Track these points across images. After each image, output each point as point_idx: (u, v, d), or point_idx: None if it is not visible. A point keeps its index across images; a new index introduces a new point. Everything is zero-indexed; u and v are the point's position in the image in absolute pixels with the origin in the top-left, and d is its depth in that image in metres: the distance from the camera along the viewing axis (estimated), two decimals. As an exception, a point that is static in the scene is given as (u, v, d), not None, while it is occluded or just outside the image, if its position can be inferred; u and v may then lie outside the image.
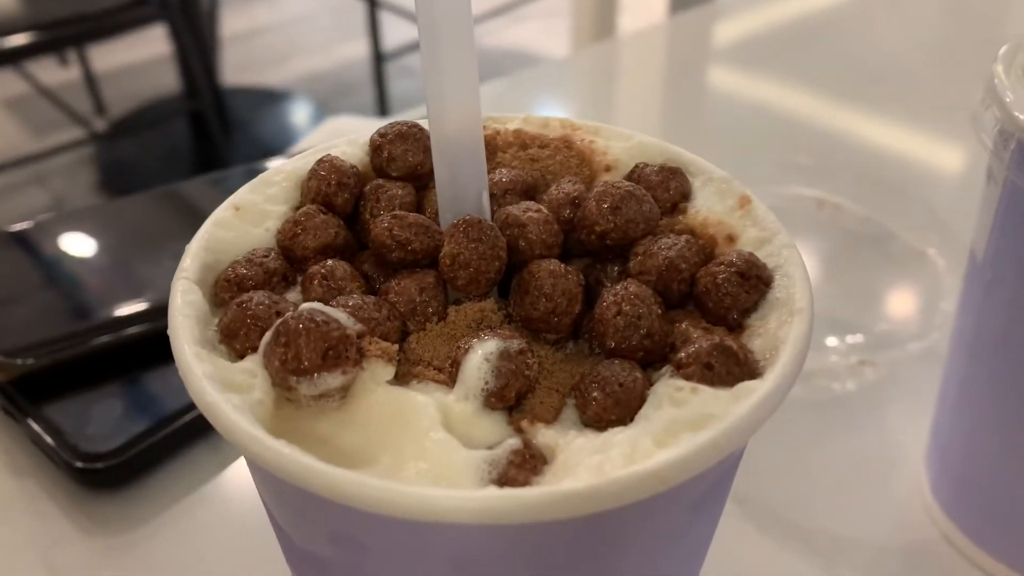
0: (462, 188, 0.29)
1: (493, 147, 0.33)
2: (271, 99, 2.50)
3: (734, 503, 0.48)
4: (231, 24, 2.76)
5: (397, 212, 0.29)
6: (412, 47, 2.47)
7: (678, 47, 1.01)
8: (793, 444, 0.51)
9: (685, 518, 0.26)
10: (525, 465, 0.24)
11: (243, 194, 0.31)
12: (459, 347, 0.26)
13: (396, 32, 2.49)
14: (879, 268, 0.62)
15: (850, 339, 0.55)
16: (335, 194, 0.31)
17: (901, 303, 0.59)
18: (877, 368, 0.54)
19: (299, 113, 2.47)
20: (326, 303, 0.27)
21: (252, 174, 0.64)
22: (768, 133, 0.82)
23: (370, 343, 0.26)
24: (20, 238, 0.58)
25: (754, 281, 0.27)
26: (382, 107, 2.31)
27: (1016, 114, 0.35)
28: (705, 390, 0.24)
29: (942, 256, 0.61)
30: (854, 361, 0.54)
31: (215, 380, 0.24)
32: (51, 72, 2.42)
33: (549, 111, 0.88)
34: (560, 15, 2.52)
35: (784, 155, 0.75)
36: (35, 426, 0.48)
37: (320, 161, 0.32)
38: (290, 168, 0.32)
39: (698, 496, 0.25)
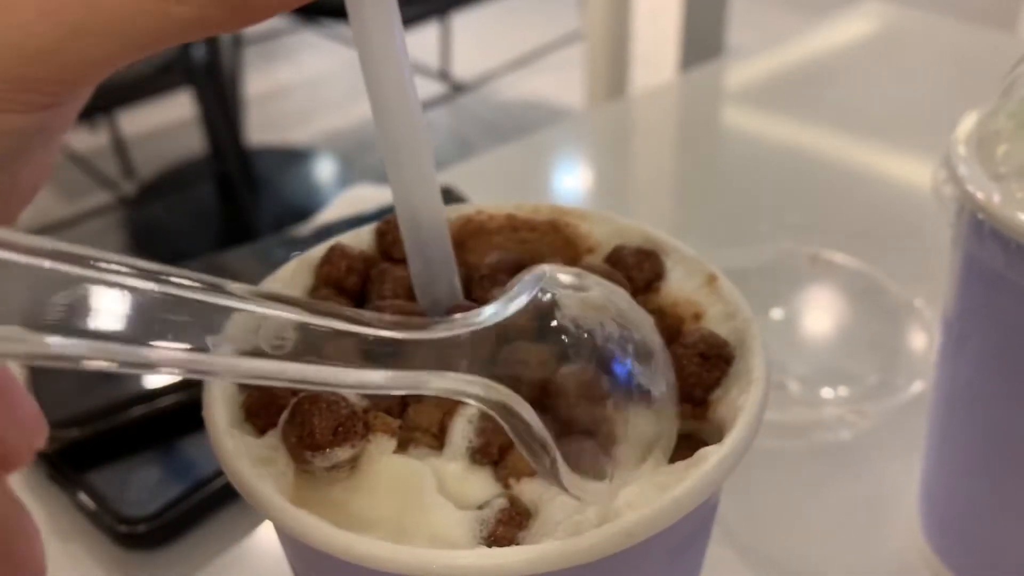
0: (434, 276, 0.33)
1: (487, 231, 0.37)
2: (295, 158, 2.57)
3: (736, 552, 0.50)
4: (254, 84, 2.83)
5: (393, 301, 0.33)
6: (431, 103, 2.53)
7: (687, 103, 1.05)
8: (792, 494, 0.54)
9: (662, 568, 0.29)
10: (512, 522, 0.27)
11: (266, 283, 0.35)
12: (446, 413, 0.30)
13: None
14: (870, 320, 0.65)
15: (843, 390, 0.58)
16: (345, 278, 0.35)
17: (892, 354, 0.61)
18: (871, 417, 0.57)
19: (323, 170, 2.53)
20: None
21: (285, 242, 0.69)
22: (765, 189, 0.85)
23: (375, 418, 0.29)
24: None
25: (715, 360, 0.30)
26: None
27: (968, 188, 0.39)
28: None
29: (930, 307, 0.64)
30: (848, 411, 0.57)
31: (244, 456, 0.28)
32: (81, 139, 2.49)
33: (567, 168, 0.93)
34: (574, 67, 2.58)
35: (780, 211, 0.78)
36: (80, 492, 0.51)
37: (332, 248, 0.36)
38: (303, 256, 0.36)
39: (672, 548, 0.28)
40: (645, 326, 0.28)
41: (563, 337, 0.26)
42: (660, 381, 0.27)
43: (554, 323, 0.26)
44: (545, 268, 0.27)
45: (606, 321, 0.26)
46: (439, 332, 0.25)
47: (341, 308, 0.24)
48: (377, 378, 0.24)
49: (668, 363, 0.28)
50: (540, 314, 0.26)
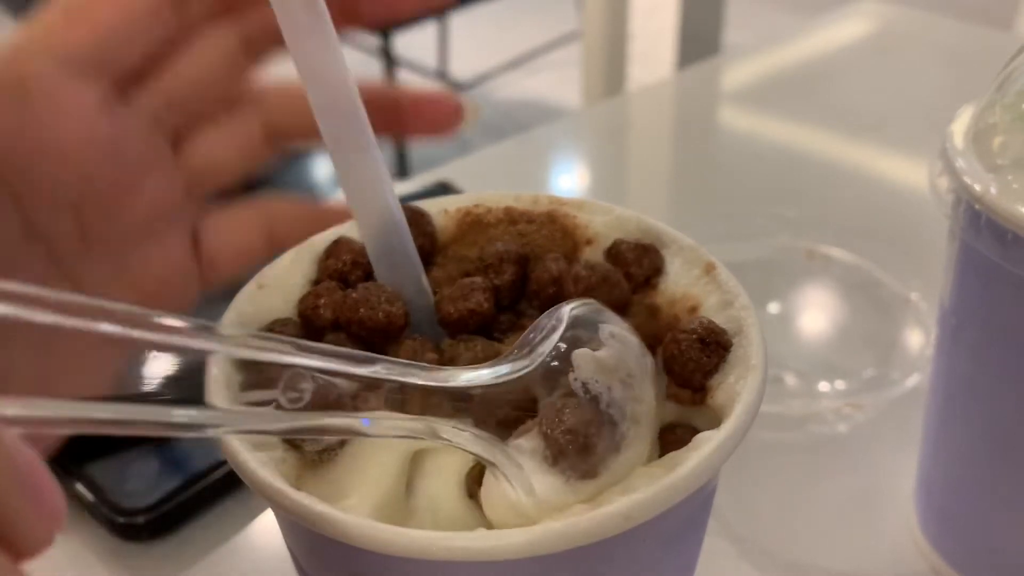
0: (401, 280, 0.34)
1: (485, 224, 0.37)
2: (295, 157, 2.56)
3: (732, 543, 0.50)
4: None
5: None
6: (429, 102, 2.52)
7: (684, 101, 1.05)
8: (788, 486, 0.54)
9: (658, 553, 0.29)
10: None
11: (265, 272, 0.35)
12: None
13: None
14: (867, 314, 0.65)
15: (840, 384, 0.58)
16: (350, 271, 0.35)
17: (888, 347, 0.62)
18: (867, 410, 0.57)
19: (322, 170, 2.53)
20: None
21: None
22: (762, 185, 0.85)
23: (363, 402, 0.29)
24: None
25: (713, 346, 0.30)
26: (401, 160, 2.37)
27: (965, 179, 0.39)
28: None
29: (925, 301, 0.64)
30: (844, 405, 0.57)
31: (244, 441, 0.28)
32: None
33: (564, 164, 0.93)
34: (571, 66, 2.58)
35: (776, 207, 0.78)
36: (77, 484, 0.51)
37: (336, 242, 0.36)
38: (306, 246, 0.36)
39: (668, 533, 0.29)
40: (646, 379, 0.29)
41: (571, 396, 0.27)
42: (645, 434, 0.29)
43: (566, 384, 0.28)
44: (565, 314, 0.28)
45: (614, 384, 0.28)
46: (457, 381, 0.27)
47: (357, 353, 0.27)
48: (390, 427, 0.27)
49: (653, 411, 0.30)
50: (554, 373, 0.28)
